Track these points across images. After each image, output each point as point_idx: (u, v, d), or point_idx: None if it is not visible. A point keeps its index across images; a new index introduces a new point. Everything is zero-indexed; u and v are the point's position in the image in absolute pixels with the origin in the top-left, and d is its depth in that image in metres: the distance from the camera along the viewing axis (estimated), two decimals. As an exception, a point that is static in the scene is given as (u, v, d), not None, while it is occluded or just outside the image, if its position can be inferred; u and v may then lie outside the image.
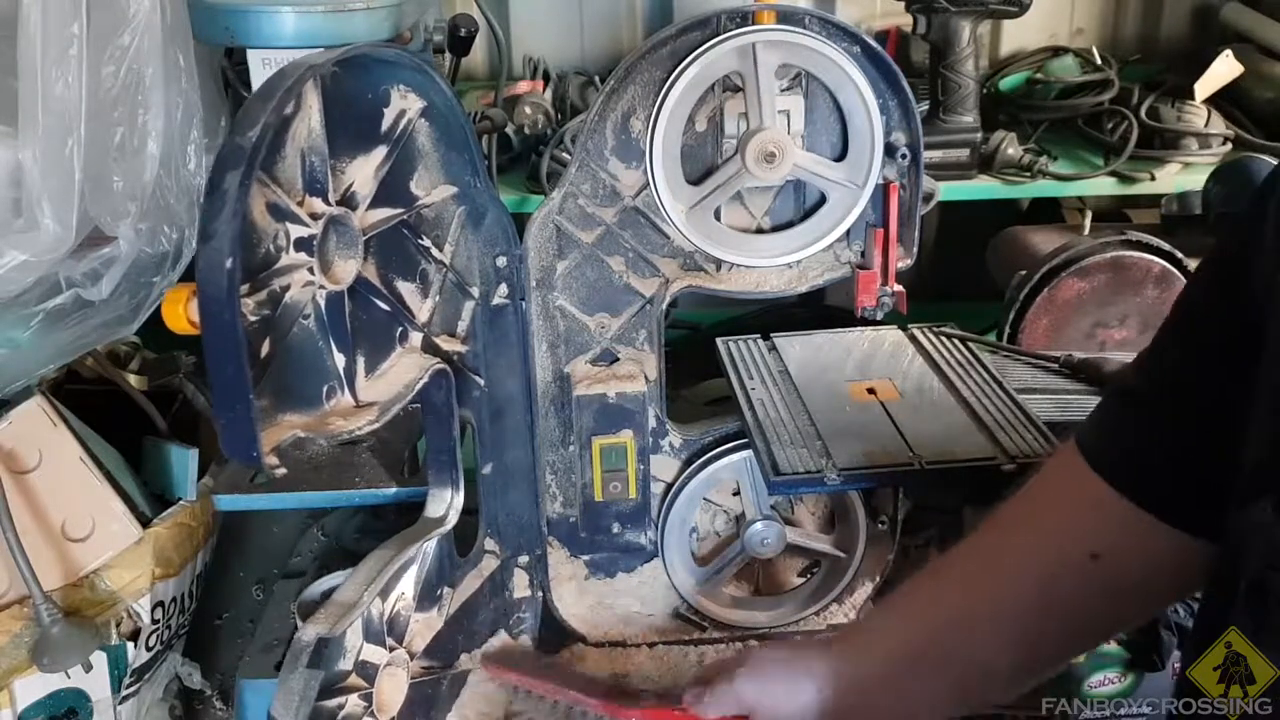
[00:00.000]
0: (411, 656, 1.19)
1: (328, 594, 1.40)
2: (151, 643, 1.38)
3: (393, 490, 1.35)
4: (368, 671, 1.11)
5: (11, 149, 1.11)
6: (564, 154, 1.71)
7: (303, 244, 0.96)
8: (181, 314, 0.89)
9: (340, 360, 1.03)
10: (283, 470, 0.92)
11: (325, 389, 1.03)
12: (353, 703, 1.09)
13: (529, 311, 1.30)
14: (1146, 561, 0.77)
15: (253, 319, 0.91)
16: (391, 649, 1.15)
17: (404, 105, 1.11)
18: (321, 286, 1.00)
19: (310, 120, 0.97)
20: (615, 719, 1.10)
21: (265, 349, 0.94)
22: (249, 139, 0.85)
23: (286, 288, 0.96)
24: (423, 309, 1.20)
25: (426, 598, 1.22)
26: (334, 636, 1.04)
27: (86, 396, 1.48)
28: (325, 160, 0.99)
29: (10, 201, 1.13)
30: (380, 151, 1.09)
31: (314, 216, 0.98)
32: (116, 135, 1.18)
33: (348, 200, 1.05)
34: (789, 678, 0.91)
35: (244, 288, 0.89)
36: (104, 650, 1.32)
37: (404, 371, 1.14)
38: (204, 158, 1.30)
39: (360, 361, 1.08)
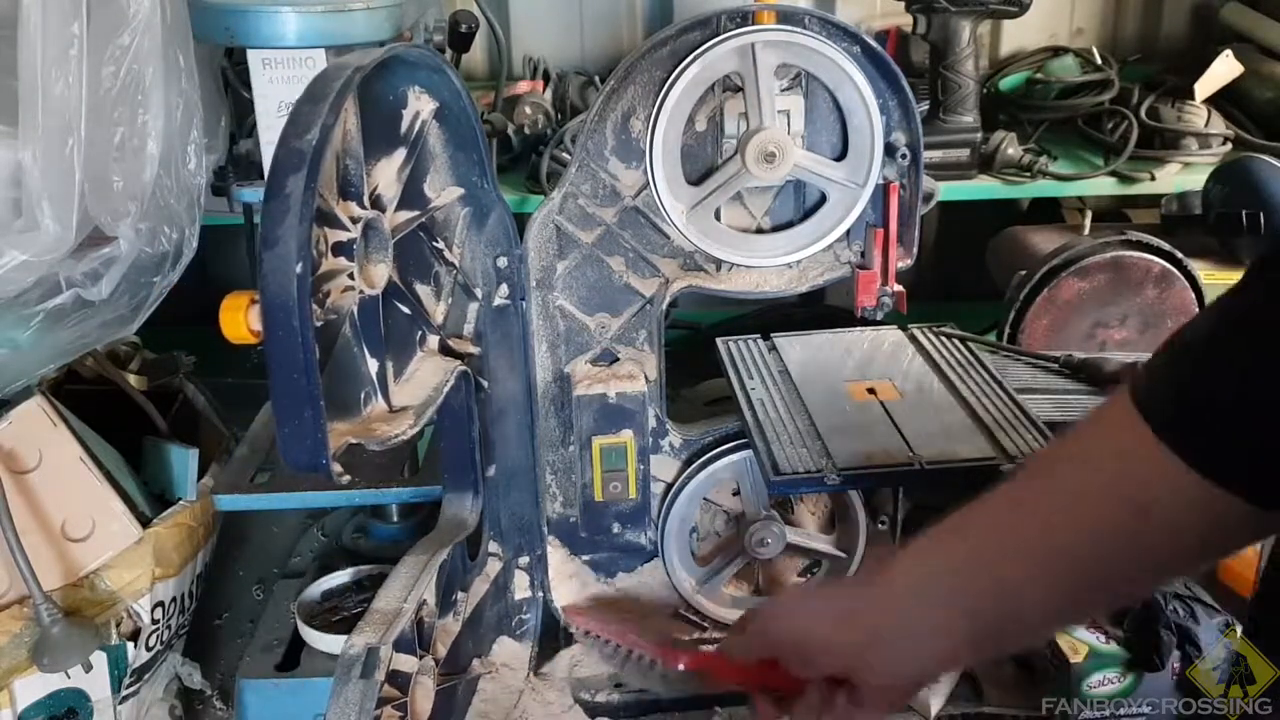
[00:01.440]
0: (437, 663, 1.17)
1: (328, 594, 1.41)
2: (151, 643, 1.38)
3: (393, 490, 1.35)
4: (400, 681, 1.09)
5: (11, 149, 1.11)
6: (564, 154, 1.71)
7: (341, 248, 0.95)
8: (242, 322, 0.87)
9: (374, 365, 1.02)
10: (348, 478, 0.90)
11: (362, 395, 1.01)
12: (388, 714, 1.07)
13: (529, 311, 1.30)
14: (1198, 519, 0.74)
15: (316, 325, 0.89)
16: (421, 657, 1.13)
17: (419, 107, 1.11)
18: (360, 291, 0.98)
19: (347, 123, 0.95)
20: (666, 663, 1.10)
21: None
22: (308, 142, 0.82)
23: (329, 294, 0.95)
24: (438, 311, 1.19)
25: (445, 603, 1.21)
26: (384, 644, 1.02)
27: (86, 396, 1.48)
28: (360, 163, 0.97)
29: (10, 201, 1.13)
30: (400, 153, 1.09)
31: (352, 220, 0.97)
32: (116, 135, 1.18)
33: (375, 203, 1.04)
34: (813, 613, 0.89)
35: None
36: (104, 650, 1.32)
37: (429, 375, 1.13)
38: (204, 158, 1.30)
39: (390, 366, 1.07)
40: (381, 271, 1.02)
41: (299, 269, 0.80)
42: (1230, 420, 0.73)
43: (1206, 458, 0.73)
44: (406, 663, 1.10)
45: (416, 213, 1.12)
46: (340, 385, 0.99)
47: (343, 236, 0.95)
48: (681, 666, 1.04)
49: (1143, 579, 0.84)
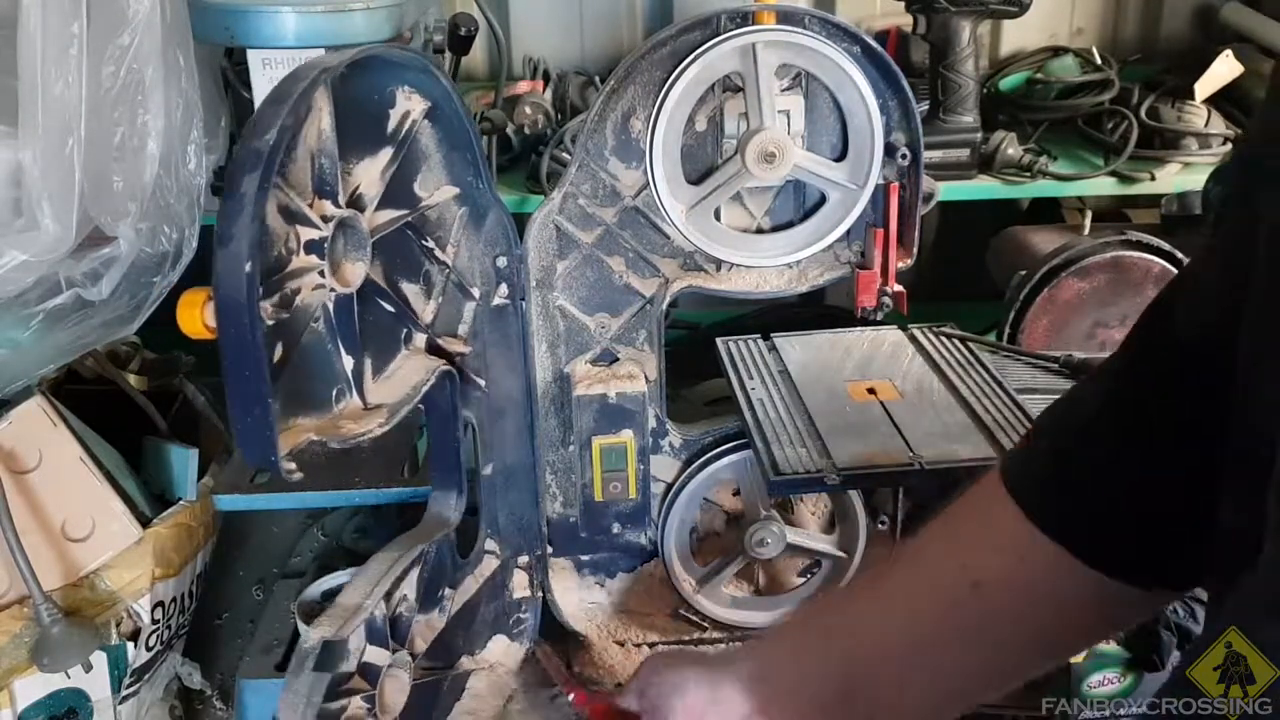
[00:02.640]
0: (413, 658, 1.19)
1: (328, 594, 1.40)
2: (151, 643, 1.38)
3: (393, 490, 1.35)
4: (371, 673, 1.11)
5: (11, 149, 1.11)
6: (564, 154, 1.71)
7: (313, 246, 0.96)
8: (198, 318, 0.88)
9: (349, 363, 1.03)
10: (300, 475, 0.91)
11: (335, 392, 1.02)
12: (355, 704, 1.09)
13: (529, 311, 1.30)
14: (1070, 597, 0.73)
15: (269, 323, 0.90)
16: (394, 650, 1.15)
17: (409, 106, 1.11)
18: (331, 289, 0.99)
19: (321, 122, 0.96)
20: (571, 696, 1.11)
21: (278, 353, 0.93)
22: (266, 142, 0.84)
23: (297, 291, 0.96)
24: (426, 310, 1.19)
25: (429, 599, 1.22)
26: (340, 639, 1.03)
27: (86, 396, 1.48)
28: (335, 162, 0.98)
29: (10, 201, 1.13)
30: (386, 153, 1.09)
31: (324, 219, 0.97)
32: (116, 135, 1.18)
33: (355, 202, 1.05)
34: (691, 693, 0.86)
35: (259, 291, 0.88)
36: (104, 650, 1.32)
37: (410, 373, 1.14)
38: (204, 158, 1.30)
39: (368, 364, 1.08)
40: (359, 269, 1.03)
41: (248, 268, 0.82)
42: (1102, 504, 0.72)
43: (1082, 542, 0.72)
44: (378, 655, 1.11)
45: (404, 211, 1.12)
46: (309, 381, 1.00)
47: (314, 235, 0.96)
48: (571, 698, 1.08)
49: (1034, 661, 0.80)
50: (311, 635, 1.03)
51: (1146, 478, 0.70)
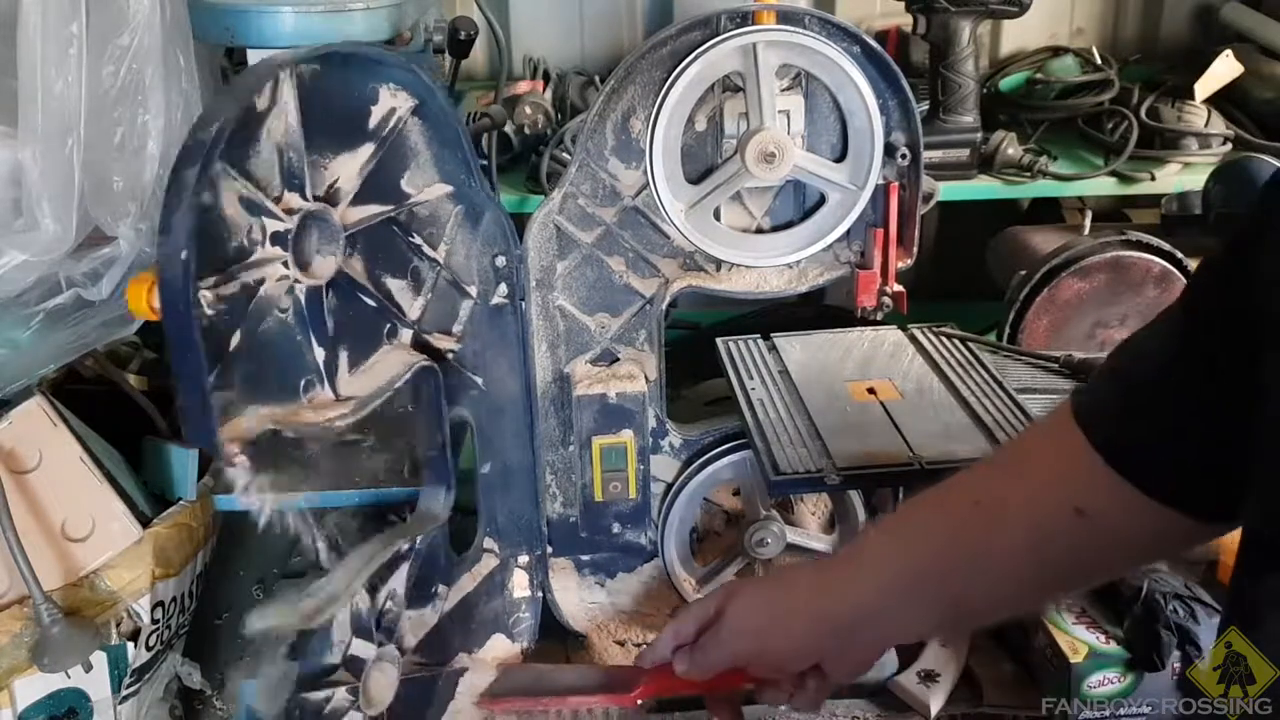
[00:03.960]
0: (403, 652, 1.19)
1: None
2: (151, 643, 1.37)
3: (393, 490, 1.35)
4: (356, 665, 1.12)
5: (11, 149, 1.11)
6: (564, 154, 1.70)
7: (278, 238, 0.98)
8: (144, 300, 0.90)
9: (320, 354, 1.04)
10: (243, 458, 0.94)
11: (303, 382, 1.04)
12: (340, 696, 1.10)
13: (529, 311, 1.30)
14: (1129, 525, 0.79)
15: (217, 309, 0.92)
16: (380, 644, 1.15)
17: (394, 103, 1.11)
18: (298, 281, 1.00)
19: (287, 117, 0.97)
20: (622, 707, 1.10)
21: (236, 340, 0.95)
22: (208, 134, 0.87)
23: (261, 281, 0.97)
24: (414, 306, 1.19)
25: (420, 595, 1.22)
26: (313, 627, 1.04)
27: (86, 396, 1.48)
28: (303, 156, 1.00)
29: (10, 201, 1.13)
30: (367, 149, 1.10)
31: (290, 211, 0.99)
32: (116, 135, 1.18)
33: (330, 196, 1.05)
34: (779, 620, 0.91)
35: (210, 279, 0.91)
36: (104, 650, 1.32)
37: (388, 368, 1.14)
38: (204, 158, 1.30)
39: (343, 356, 1.09)
40: (329, 263, 1.04)
41: (184, 255, 0.84)
42: (1165, 439, 0.76)
43: (1144, 474, 0.77)
44: (364, 648, 1.12)
45: (387, 207, 1.13)
46: (272, 370, 1.01)
47: (279, 227, 0.97)
48: (639, 702, 1.04)
49: (1083, 575, 0.90)
50: (285, 623, 1.04)
51: (1210, 412, 0.73)
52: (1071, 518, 0.79)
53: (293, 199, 0.99)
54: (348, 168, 1.08)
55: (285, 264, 0.99)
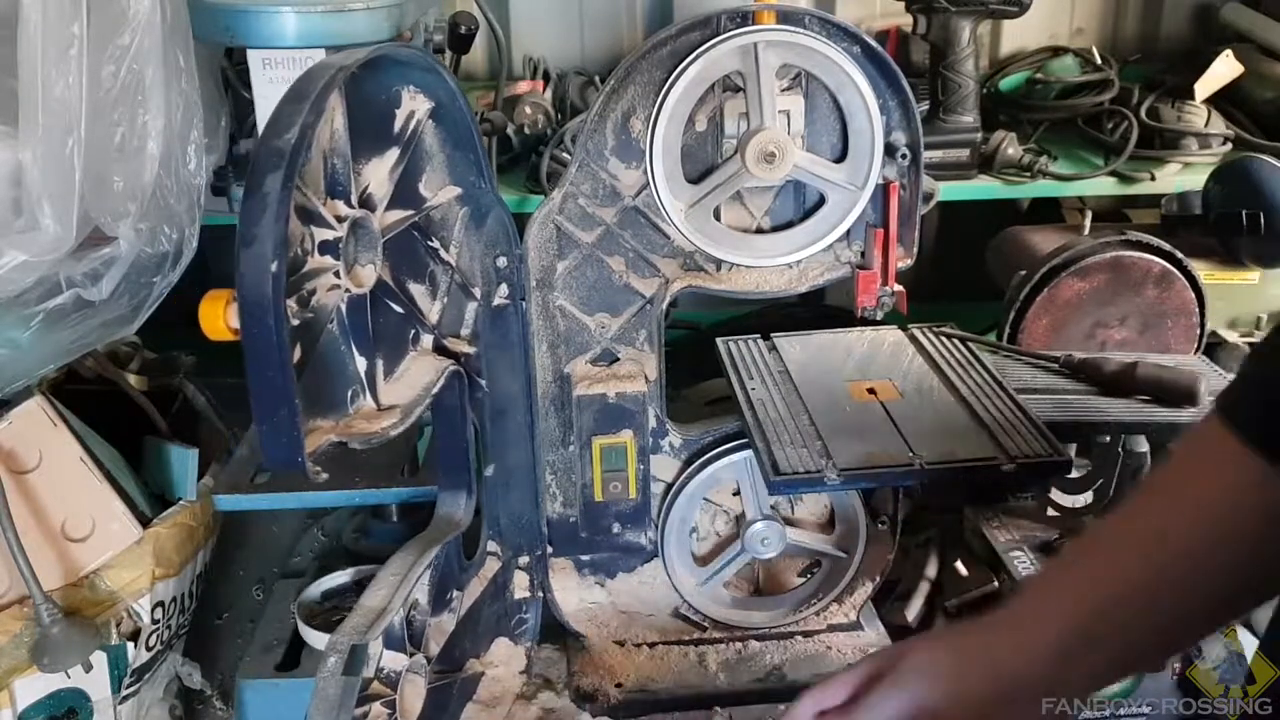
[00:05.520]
0: (429, 661, 1.18)
1: (328, 594, 1.41)
2: (151, 643, 1.38)
3: (393, 490, 1.35)
4: (390, 678, 1.10)
5: (11, 149, 1.11)
6: (564, 154, 1.71)
7: (328, 247, 0.95)
8: (220, 319, 0.87)
9: (362, 364, 1.02)
10: (325, 476, 0.90)
11: (350, 393, 1.02)
12: (377, 710, 1.07)
13: (529, 311, 1.30)
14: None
15: (293, 323, 0.89)
16: (411, 655, 1.14)
17: (413, 106, 1.11)
18: (346, 290, 0.98)
19: (334, 122, 0.96)
20: None
21: (297, 354, 0.92)
22: (287, 141, 0.83)
23: (314, 292, 0.95)
24: (433, 311, 1.19)
25: (439, 601, 1.22)
26: (367, 642, 1.02)
27: (86, 396, 1.48)
28: (348, 162, 0.98)
29: (10, 201, 1.13)
30: (393, 153, 1.09)
31: (339, 219, 0.97)
32: (116, 135, 1.18)
33: (365, 202, 1.04)
34: (954, 674, 0.88)
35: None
36: (104, 650, 1.32)
37: (420, 374, 1.13)
38: (204, 158, 1.30)
39: (379, 365, 1.07)
40: (370, 270, 1.03)
41: (274, 268, 0.80)
42: None
43: None
44: (396, 660, 1.10)
45: (410, 212, 1.12)
46: (326, 383, 0.99)
47: (329, 235, 0.95)
48: None
49: (1245, 598, 0.83)
50: (340, 639, 1.01)
51: None
52: (1229, 535, 0.77)
53: (338, 206, 0.97)
54: (378, 173, 1.06)
55: (336, 273, 0.96)
